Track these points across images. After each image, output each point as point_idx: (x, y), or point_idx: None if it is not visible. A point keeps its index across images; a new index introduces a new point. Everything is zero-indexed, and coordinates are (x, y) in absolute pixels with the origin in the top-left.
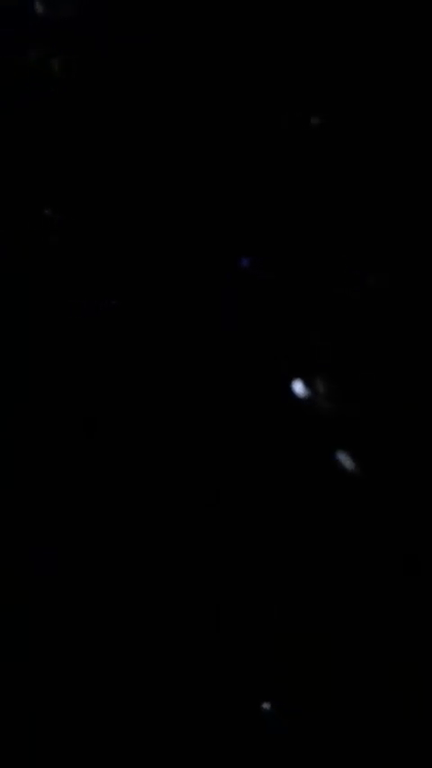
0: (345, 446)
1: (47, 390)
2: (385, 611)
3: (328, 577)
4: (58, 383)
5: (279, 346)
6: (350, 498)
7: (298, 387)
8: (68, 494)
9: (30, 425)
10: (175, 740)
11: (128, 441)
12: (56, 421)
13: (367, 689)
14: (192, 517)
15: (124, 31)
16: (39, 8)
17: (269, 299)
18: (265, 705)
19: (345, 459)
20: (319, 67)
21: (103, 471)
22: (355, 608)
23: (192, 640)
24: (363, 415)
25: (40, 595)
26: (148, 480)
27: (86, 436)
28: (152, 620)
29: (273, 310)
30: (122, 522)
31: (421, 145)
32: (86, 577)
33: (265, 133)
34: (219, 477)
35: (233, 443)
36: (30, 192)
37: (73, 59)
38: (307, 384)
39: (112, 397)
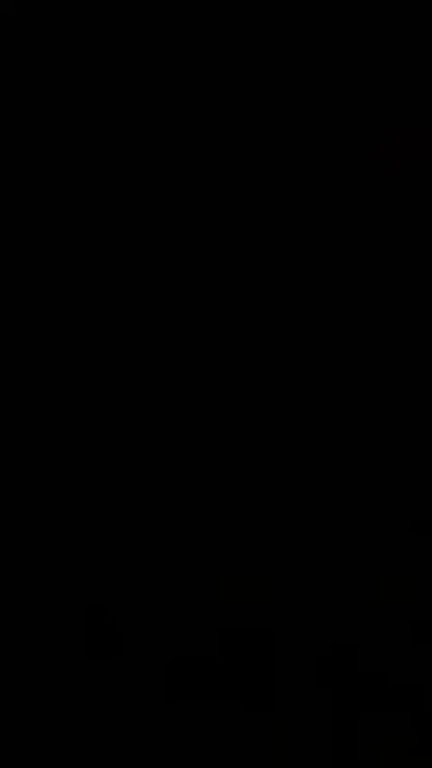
0: (344, 443)
1: (47, 390)
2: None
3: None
4: (59, 382)
5: (278, 345)
6: (349, 495)
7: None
8: (68, 493)
9: (30, 425)
10: (174, 739)
11: (127, 439)
12: (56, 420)
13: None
14: (192, 515)
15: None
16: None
17: (269, 299)
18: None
19: (344, 456)
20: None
21: (102, 470)
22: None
23: (191, 639)
24: (362, 413)
25: (39, 594)
26: (148, 478)
27: (86, 435)
28: (151, 619)
29: (273, 311)
30: (122, 518)
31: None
32: (86, 576)
33: (264, 134)
34: (217, 475)
35: (231, 440)
36: (30, 192)
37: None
38: (306, 382)
39: (112, 397)
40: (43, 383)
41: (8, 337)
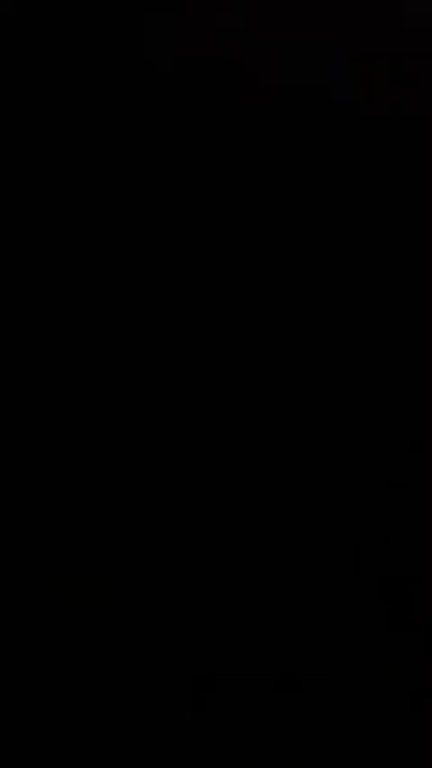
0: (342, 440)
1: (47, 389)
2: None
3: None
4: (58, 382)
5: (278, 345)
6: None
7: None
8: (67, 492)
9: (30, 424)
10: (173, 740)
11: (127, 440)
12: (55, 420)
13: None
14: (191, 515)
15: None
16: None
17: (269, 299)
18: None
19: (343, 455)
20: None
21: (102, 469)
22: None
23: (190, 640)
24: (360, 412)
25: (38, 593)
26: (148, 478)
27: (85, 435)
28: (151, 618)
29: (273, 311)
30: (121, 519)
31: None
32: (86, 576)
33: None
34: (217, 474)
35: (231, 440)
36: (29, 191)
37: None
38: (306, 381)
39: (112, 397)
40: (42, 380)
41: (8, 337)
